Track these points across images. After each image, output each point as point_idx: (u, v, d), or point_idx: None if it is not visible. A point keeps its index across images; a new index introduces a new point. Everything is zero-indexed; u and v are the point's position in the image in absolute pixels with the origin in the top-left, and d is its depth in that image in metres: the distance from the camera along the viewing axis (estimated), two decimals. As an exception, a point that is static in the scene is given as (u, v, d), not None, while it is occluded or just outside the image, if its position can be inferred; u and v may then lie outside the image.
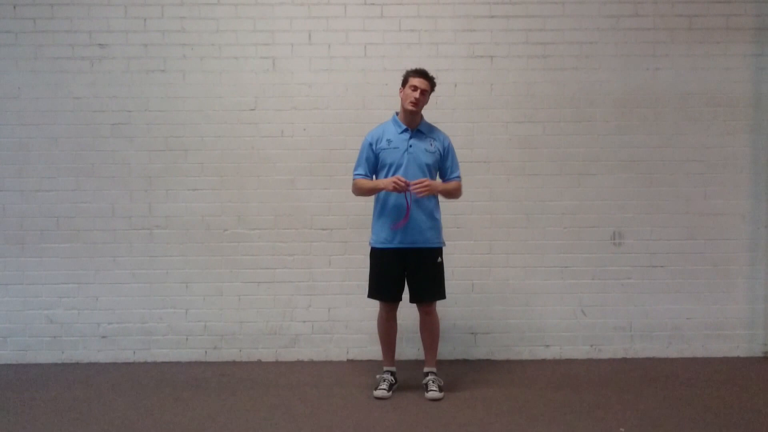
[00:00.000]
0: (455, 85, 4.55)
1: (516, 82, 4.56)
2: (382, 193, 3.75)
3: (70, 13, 4.50)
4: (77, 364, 4.54)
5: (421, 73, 3.73)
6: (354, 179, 3.84)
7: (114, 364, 4.53)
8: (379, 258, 3.80)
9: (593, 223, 4.58)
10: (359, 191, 3.84)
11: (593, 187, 4.58)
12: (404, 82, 3.76)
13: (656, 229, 4.59)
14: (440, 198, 3.84)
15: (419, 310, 3.86)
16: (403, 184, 3.57)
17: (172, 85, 4.54)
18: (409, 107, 3.70)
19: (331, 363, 4.53)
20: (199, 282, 4.57)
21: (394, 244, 3.73)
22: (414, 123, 3.78)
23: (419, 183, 3.59)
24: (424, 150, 3.74)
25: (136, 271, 4.56)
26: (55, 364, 4.52)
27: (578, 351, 4.59)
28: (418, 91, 3.69)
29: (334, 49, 4.54)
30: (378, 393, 3.78)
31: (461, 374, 4.21)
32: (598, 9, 4.54)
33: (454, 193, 3.85)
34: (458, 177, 3.86)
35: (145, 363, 4.55)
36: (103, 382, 4.12)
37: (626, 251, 4.59)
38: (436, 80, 3.80)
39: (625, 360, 4.56)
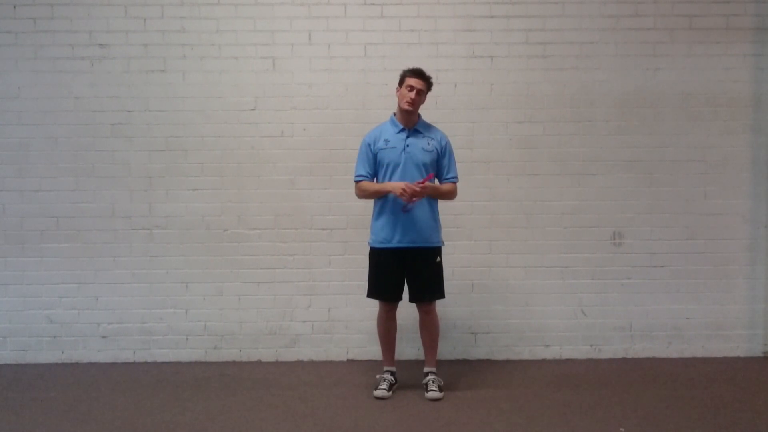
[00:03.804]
0: (455, 85, 4.55)
1: (516, 82, 4.56)
2: (383, 193, 3.75)
3: (70, 13, 4.50)
4: (77, 364, 4.54)
5: (418, 73, 3.72)
6: (356, 182, 3.82)
7: (114, 364, 4.53)
8: (378, 258, 3.80)
9: (593, 223, 4.58)
10: (364, 194, 3.81)
11: (593, 187, 4.58)
12: (401, 82, 3.76)
13: (656, 229, 4.59)
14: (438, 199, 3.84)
15: (419, 309, 3.86)
16: (410, 191, 3.55)
17: (172, 85, 4.54)
18: (405, 107, 3.70)
19: (331, 363, 4.53)
20: (199, 282, 4.57)
21: (393, 244, 3.72)
22: (411, 122, 3.78)
23: (418, 184, 3.59)
24: (421, 149, 3.74)
25: (136, 271, 4.56)
26: (55, 364, 4.52)
27: (578, 351, 4.59)
28: (414, 91, 3.68)
29: (334, 49, 4.54)
30: (378, 393, 3.78)
31: (461, 374, 4.21)
32: (598, 9, 4.54)
33: (447, 195, 3.82)
34: (454, 178, 3.83)
35: (145, 363, 4.55)
36: (103, 382, 4.12)
37: (626, 251, 4.58)
38: (433, 80, 3.79)
39: (625, 360, 4.56)
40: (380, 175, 3.77)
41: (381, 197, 3.76)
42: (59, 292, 4.56)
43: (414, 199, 3.60)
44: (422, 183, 3.60)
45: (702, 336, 4.60)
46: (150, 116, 4.54)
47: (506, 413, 3.53)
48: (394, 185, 3.63)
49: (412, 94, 3.68)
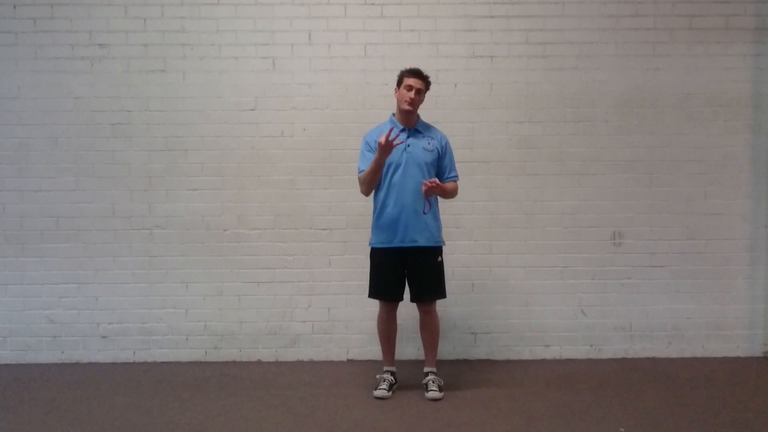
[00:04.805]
0: (455, 85, 4.55)
1: (516, 82, 4.56)
2: (382, 194, 3.74)
3: (70, 13, 4.50)
4: (77, 364, 4.54)
5: (416, 73, 3.72)
6: (359, 177, 3.79)
7: (114, 364, 4.53)
8: (379, 258, 3.79)
9: (593, 223, 4.58)
10: (366, 183, 3.74)
11: (593, 187, 4.58)
12: (399, 83, 3.76)
13: (656, 229, 4.59)
14: (439, 197, 3.84)
15: (419, 309, 3.86)
16: (387, 138, 3.51)
17: (172, 85, 4.54)
18: (405, 107, 3.70)
19: (331, 363, 4.53)
20: (199, 282, 4.57)
21: (394, 244, 3.72)
22: (410, 123, 3.78)
23: (431, 182, 3.59)
24: (422, 149, 3.74)
25: (136, 271, 4.56)
26: (55, 364, 4.52)
27: (578, 351, 4.59)
28: (413, 90, 3.68)
29: (334, 49, 4.54)
30: (378, 393, 3.78)
31: (461, 374, 4.21)
32: (598, 9, 4.54)
33: (451, 194, 3.85)
34: (455, 177, 3.86)
35: (145, 363, 4.55)
36: (103, 382, 4.12)
37: (626, 251, 4.59)
38: (431, 79, 3.80)
39: (625, 360, 4.56)
40: (382, 176, 3.74)
41: (381, 199, 3.76)
42: (59, 292, 4.56)
43: (428, 192, 3.61)
44: (434, 182, 3.62)
45: (702, 336, 4.60)
46: (150, 116, 4.54)
47: (506, 413, 3.53)
48: (379, 148, 3.56)
49: (411, 94, 3.68)
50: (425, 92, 3.78)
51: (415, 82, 3.70)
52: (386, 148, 3.55)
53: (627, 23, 4.54)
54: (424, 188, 3.61)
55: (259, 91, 4.54)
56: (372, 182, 3.74)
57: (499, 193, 4.57)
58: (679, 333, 4.60)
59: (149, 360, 4.57)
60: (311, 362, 4.56)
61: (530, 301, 4.60)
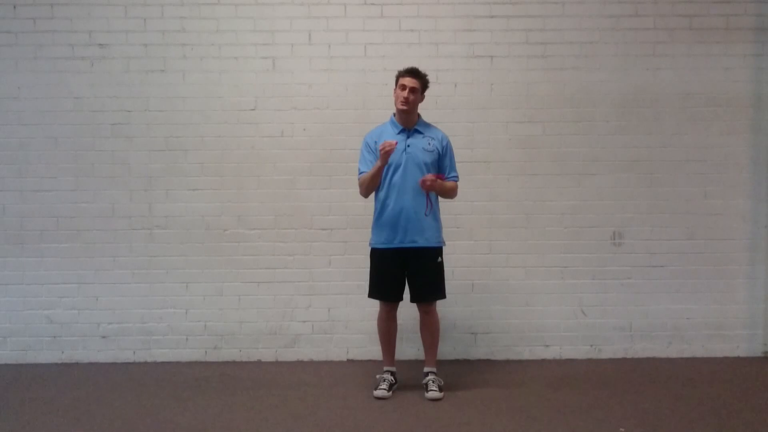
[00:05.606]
0: (455, 85, 4.55)
1: (516, 82, 4.56)
2: (382, 194, 3.75)
3: (70, 13, 4.50)
4: (77, 364, 4.54)
5: (410, 72, 3.73)
6: (359, 179, 3.81)
7: (114, 364, 4.53)
8: (379, 258, 3.80)
9: (593, 223, 4.58)
10: (365, 187, 3.78)
11: (593, 187, 4.58)
12: (396, 83, 3.77)
13: (656, 229, 4.59)
14: (439, 198, 3.84)
15: (419, 309, 3.86)
16: (387, 147, 3.54)
17: (172, 85, 4.54)
18: (400, 107, 3.71)
19: (331, 363, 4.53)
20: (199, 282, 4.57)
21: (395, 245, 3.72)
22: (410, 123, 3.78)
23: (427, 178, 3.61)
24: (422, 149, 3.74)
25: (136, 271, 4.56)
26: (55, 364, 4.52)
27: (578, 351, 4.59)
28: (407, 89, 3.68)
29: (334, 49, 4.54)
30: (378, 393, 3.78)
31: (461, 374, 4.21)
32: (598, 9, 4.54)
33: (450, 193, 3.85)
34: (455, 177, 3.85)
35: (145, 363, 4.55)
36: (103, 382, 4.12)
37: (626, 251, 4.58)
38: (429, 77, 3.80)
39: (625, 360, 4.56)
40: (382, 176, 3.74)
41: (381, 200, 3.76)
42: (59, 292, 4.56)
43: (425, 188, 3.63)
44: (436, 177, 3.64)
45: (702, 336, 4.60)
46: (150, 116, 4.54)
47: (506, 413, 3.53)
48: (381, 154, 3.59)
49: (405, 93, 3.68)
50: (422, 91, 3.78)
51: (409, 81, 3.70)
52: (387, 156, 3.58)
53: (627, 23, 4.54)
54: (423, 186, 3.61)
55: (259, 91, 4.54)
56: (371, 186, 3.76)
57: (499, 193, 4.57)
58: (679, 333, 4.60)
59: (149, 360, 4.57)
60: (311, 362, 4.56)
61: (530, 301, 4.60)
